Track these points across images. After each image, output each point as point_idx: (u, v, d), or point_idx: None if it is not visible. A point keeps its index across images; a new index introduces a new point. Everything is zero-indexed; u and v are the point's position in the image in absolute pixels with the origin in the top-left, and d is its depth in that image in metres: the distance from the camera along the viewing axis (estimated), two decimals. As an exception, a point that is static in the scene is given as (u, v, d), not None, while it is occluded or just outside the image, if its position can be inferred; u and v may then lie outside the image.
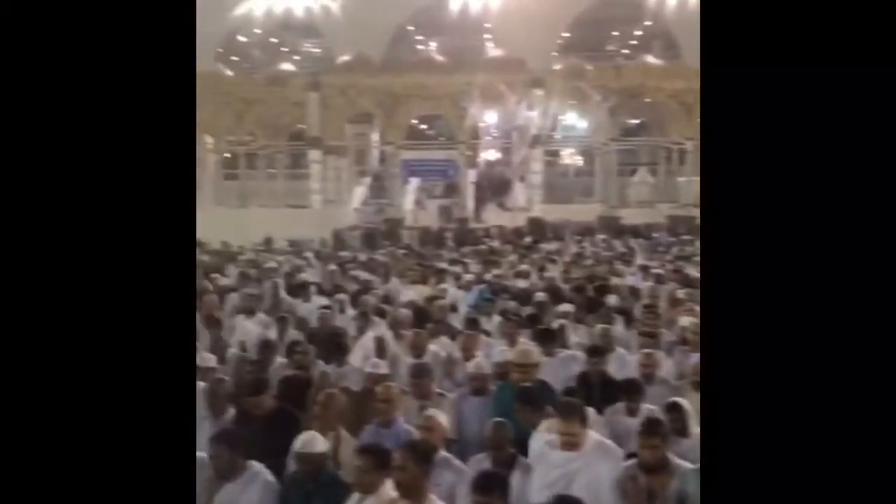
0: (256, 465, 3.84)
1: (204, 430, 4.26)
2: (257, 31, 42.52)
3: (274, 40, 44.21)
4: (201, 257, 15.22)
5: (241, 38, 43.67)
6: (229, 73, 32.51)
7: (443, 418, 4.19)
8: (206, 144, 34.37)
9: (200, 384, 4.49)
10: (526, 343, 5.61)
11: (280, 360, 6.15)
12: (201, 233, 20.74)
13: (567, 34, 31.57)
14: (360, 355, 6.66)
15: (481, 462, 3.98)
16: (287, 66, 34.41)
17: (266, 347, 6.20)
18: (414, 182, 32.16)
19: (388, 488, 3.38)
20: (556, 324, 6.95)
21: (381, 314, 7.99)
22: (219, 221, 24.04)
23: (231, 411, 4.38)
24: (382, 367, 5.20)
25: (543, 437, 4.04)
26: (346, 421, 4.44)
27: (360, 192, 32.84)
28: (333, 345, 6.43)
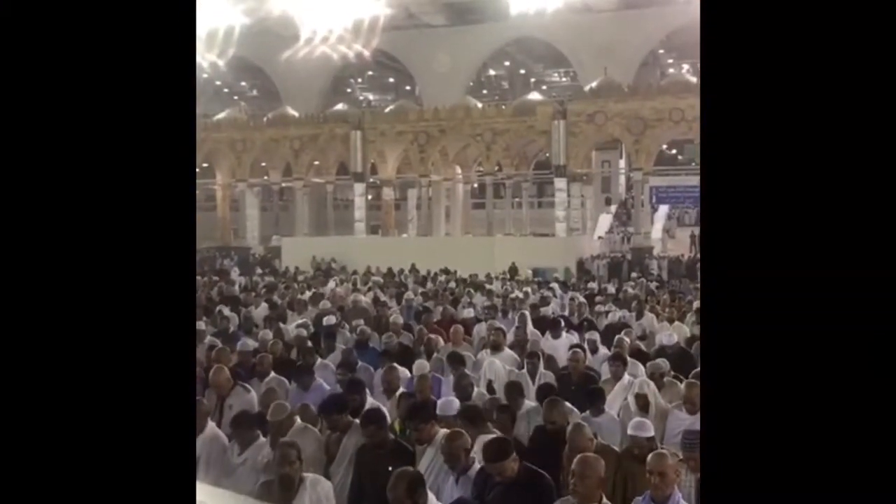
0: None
1: (447, 492, 3.87)
2: (507, 63, 43.62)
3: (522, 71, 45.06)
4: (449, 284, 15.42)
5: (492, 72, 45.13)
6: (479, 105, 33.38)
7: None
8: (457, 175, 35.65)
9: (443, 431, 4.11)
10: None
11: (529, 403, 5.66)
12: (450, 261, 21.21)
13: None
14: (618, 403, 5.95)
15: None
16: (535, 96, 34.59)
17: (515, 390, 5.73)
18: (663, 209, 30.66)
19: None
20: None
21: (639, 356, 7.21)
22: (468, 249, 24.56)
23: (473, 469, 3.90)
24: (648, 430, 4.46)
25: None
26: (607, 489, 3.81)
27: (605, 220, 31.97)
28: (587, 391, 5.80)
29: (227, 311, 11.05)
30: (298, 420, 4.85)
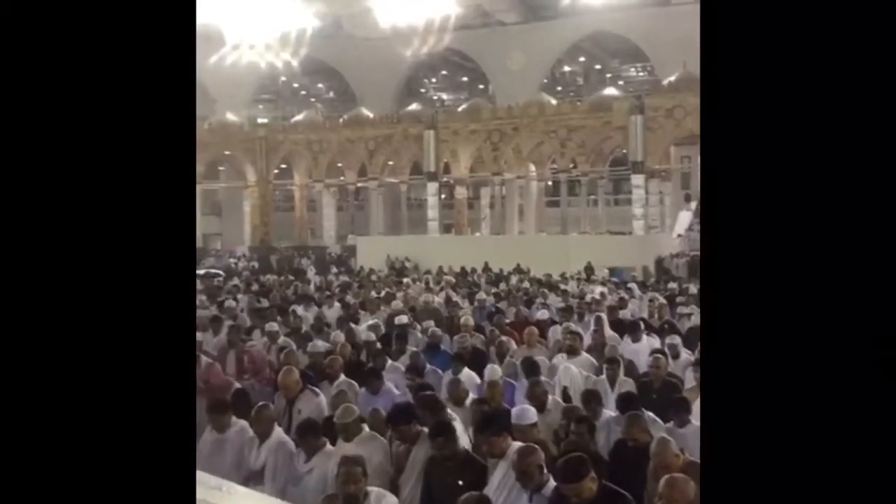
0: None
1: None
2: (582, 58, 42.89)
3: (598, 67, 44.23)
4: (523, 284, 15.12)
5: (566, 68, 44.46)
6: (553, 101, 32.89)
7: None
8: (531, 173, 35.24)
9: (516, 444, 3.85)
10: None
11: (608, 413, 5.35)
12: (524, 260, 20.86)
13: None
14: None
15: None
16: (611, 92, 33.85)
17: (593, 398, 5.42)
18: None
19: None
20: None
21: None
22: (542, 248, 24.15)
23: (548, 487, 3.62)
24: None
25: None
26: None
27: (685, 218, 30.97)
28: (670, 400, 5.45)
29: (301, 310, 11.08)
30: (366, 428, 4.69)
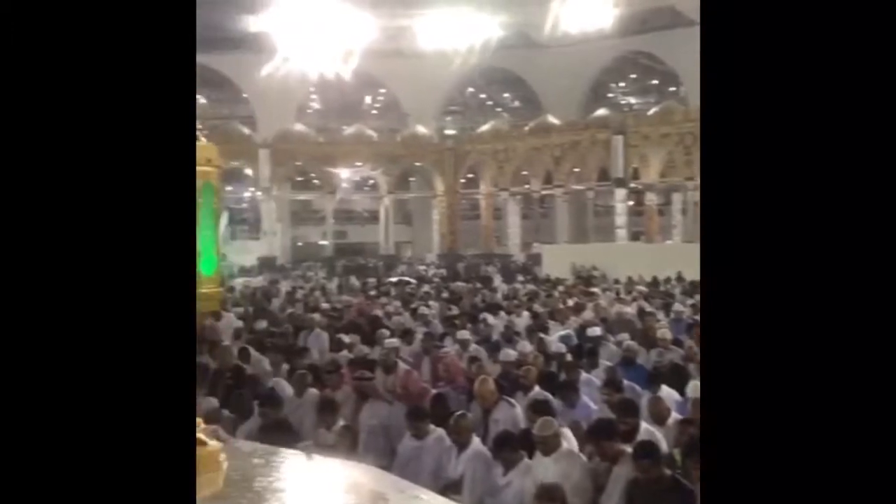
0: None
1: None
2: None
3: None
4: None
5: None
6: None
7: None
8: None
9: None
10: None
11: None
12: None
13: None
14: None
15: None
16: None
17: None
18: None
19: None
20: None
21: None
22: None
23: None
24: None
25: None
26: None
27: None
28: None
29: (491, 318, 11.16)
30: (564, 444, 4.57)
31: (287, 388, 6.55)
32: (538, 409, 5.05)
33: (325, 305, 13.68)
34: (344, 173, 37.92)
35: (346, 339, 8.91)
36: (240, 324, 10.78)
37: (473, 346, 8.41)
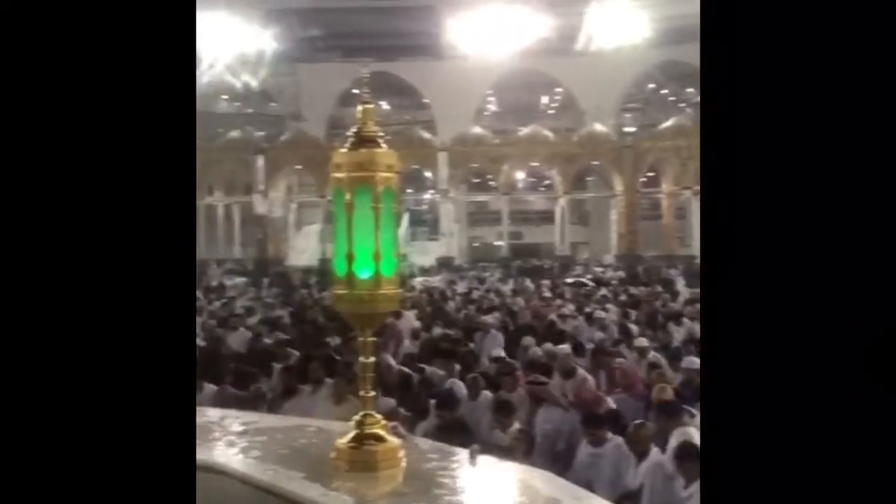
0: None
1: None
2: None
3: None
4: None
5: None
6: None
7: None
8: None
9: None
10: None
11: None
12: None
13: None
14: None
15: None
16: None
17: None
18: None
19: None
20: None
21: None
22: None
23: None
24: None
25: None
26: None
27: None
28: None
29: (671, 324, 10.72)
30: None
31: (462, 389, 6.66)
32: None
33: (497, 307, 13.83)
34: (520, 174, 38.06)
35: (523, 341, 8.93)
36: (418, 324, 11.17)
37: (652, 354, 8.12)
